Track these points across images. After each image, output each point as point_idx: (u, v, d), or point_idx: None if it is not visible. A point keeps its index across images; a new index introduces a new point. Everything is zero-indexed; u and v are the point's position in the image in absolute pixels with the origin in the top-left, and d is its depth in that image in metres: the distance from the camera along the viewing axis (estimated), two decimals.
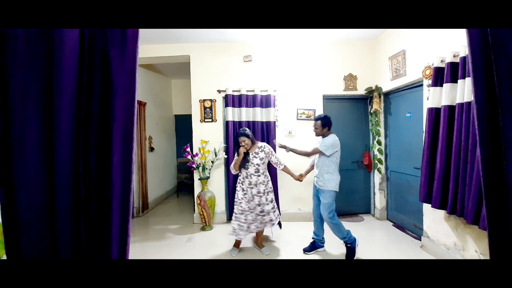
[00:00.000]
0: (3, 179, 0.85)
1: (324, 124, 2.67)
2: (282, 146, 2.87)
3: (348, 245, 2.64)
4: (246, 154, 2.73)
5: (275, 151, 2.94)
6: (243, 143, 2.67)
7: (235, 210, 2.79)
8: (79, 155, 0.89)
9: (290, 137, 3.79)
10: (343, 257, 2.70)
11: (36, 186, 0.86)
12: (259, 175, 2.71)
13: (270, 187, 2.82)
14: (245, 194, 2.73)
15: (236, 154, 2.78)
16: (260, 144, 2.79)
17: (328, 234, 2.80)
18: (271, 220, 2.76)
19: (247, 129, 2.78)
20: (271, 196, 2.80)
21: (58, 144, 0.86)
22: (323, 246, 2.87)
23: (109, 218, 0.90)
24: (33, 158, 0.85)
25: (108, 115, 0.90)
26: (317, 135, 2.76)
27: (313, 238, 2.86)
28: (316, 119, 2.74)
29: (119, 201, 0.92)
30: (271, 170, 3.56)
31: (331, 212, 2.60)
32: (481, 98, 0.97)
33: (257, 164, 2.70)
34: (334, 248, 2.86)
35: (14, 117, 0.83)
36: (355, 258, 2.61)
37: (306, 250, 2.81)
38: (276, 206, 2.86)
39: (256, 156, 2.72)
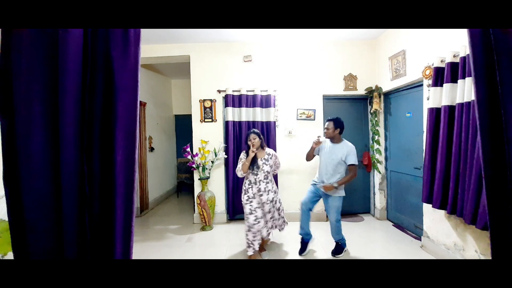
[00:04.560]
0: (9, 179, 0.85)
1: (336, 125, 2.62)
2: (327, 188, 2.60)
3: (339, 243, 2.76)
4: (255, 158, 2.61)
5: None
6: (252, 141, 2.56)
7: (248, 222, 2.59)
8: (83, 155, 0.90)
9: (290, 137, 3.79)
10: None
11: (42, 186, 0.87)
12: (267, 182, 2.62)
13: (278, 196, 2.82)
14: (251, 202, 2.60)
15: (243, 154, 2.70)
16: (268, 150, 2.70)
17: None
18: (280, 225, 2.84)
19: (256, 130, 2.71)
20: (279, 205, 2.82)
21: (63, 144, 0.86)
22: (310, 238, 2.84)
23: (113, 216, 0.90)
24: (39, 158, 0.86)
25: (111, 115, 0.91)
26: (328, 136, 2.69)
27: (300, 234, 2.82)
28: (328, 120, 2.70)
29: (122, 200, 0.92)
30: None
31: (339, 215, 2.69)
32: (482, 98, 0.97)
33: (267, 171, 2.62)
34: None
35: (19, 118, 0.84)
36: (339, 258, 2.71)
37: (301, 252, 2.79)
38: (283, 215, 2.89)
39: (266, 163, 2.62)
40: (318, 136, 2.69)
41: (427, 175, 2.46)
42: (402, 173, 3.39)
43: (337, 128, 2.63)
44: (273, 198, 2.65)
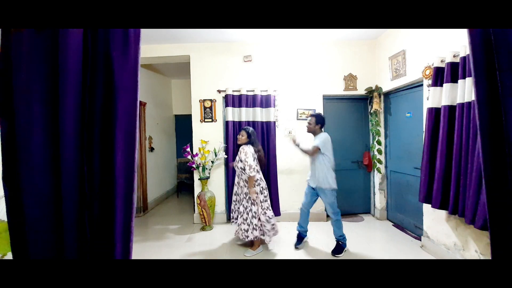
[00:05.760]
0: (9, 179, 0.85)
1: (318, 121, 2.78)
2: (294, 142, 2.86)
3: (340, 243, 2.77)
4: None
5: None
6: (239, 137, 2.82)
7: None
8: (83, 155, 0.90)
9: (290, 137, 3.79)
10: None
11: (42, 186, 0.87)
12: (236, 175, 2.89)
13: (246, 201, 2.74)
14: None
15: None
16: (242, 147, 2.78)
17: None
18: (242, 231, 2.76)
19: (251, 128, 2.86)
20: (248, 214, 2.71)
21: (63, 144, 0.86)
22: (306, 235, 3.03)
23: (113, 216, 0.90)
24: (39, 158, 0.86)
25: (111, 115, 0.91)
26: (309, 130, 2.85)
27: (297, 230, 2.98)
28: (311, 115, 2.88)
29: (122, 200, 0.92)
30: (271, 169, 3.57)
31: (335, 209, 2.73)
32: (482, 97, 0.97)
33: (235, 165, 2.83)
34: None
35: (19, 118, 0.84)
36: (340, 257, 2.71)
37: (297, 245, 2.93)
38: (253, 227, 2.70)
39: (237, 157, 2.82)
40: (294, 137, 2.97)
41: (425, 175, 2.47)
42: (402, 173, 3.39)
43: (318, 123, 2.79)
44: (235, 191, 2.93)
